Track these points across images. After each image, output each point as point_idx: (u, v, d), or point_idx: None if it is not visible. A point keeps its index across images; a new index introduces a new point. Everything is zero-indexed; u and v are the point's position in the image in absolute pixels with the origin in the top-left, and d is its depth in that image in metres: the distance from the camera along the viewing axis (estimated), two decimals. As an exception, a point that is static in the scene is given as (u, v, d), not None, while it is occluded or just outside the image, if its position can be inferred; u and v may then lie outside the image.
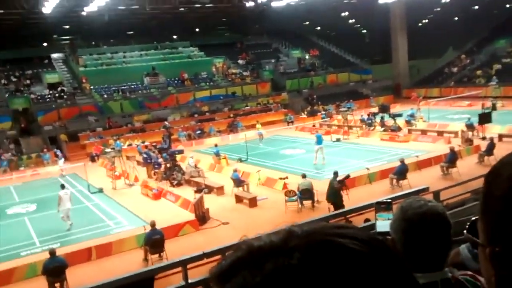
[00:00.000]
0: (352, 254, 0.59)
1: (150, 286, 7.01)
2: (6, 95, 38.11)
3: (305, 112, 39.77)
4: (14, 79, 40.89)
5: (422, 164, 19.89)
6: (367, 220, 9.74)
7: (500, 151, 19.15)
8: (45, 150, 31.58)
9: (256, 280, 0.57)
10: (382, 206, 2.04)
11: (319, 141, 23.02)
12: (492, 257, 0.75)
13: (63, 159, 28.29)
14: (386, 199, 2.07)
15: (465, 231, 0.93)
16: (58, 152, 28.99)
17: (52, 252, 12.07)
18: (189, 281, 6.25)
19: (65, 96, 39.09)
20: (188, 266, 6.47)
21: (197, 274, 6.42)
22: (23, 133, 34.76)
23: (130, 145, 31.27)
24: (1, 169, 29.27)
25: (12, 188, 24.70)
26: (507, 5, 54.20)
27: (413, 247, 1.68)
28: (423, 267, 1.67)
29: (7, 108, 36.49)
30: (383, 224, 1.95)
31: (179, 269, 6.70)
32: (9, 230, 17.28)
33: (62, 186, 17.81)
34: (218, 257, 6.59)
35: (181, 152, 24.44)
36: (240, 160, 25.16)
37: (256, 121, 34.68)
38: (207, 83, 44.59)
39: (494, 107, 30.69)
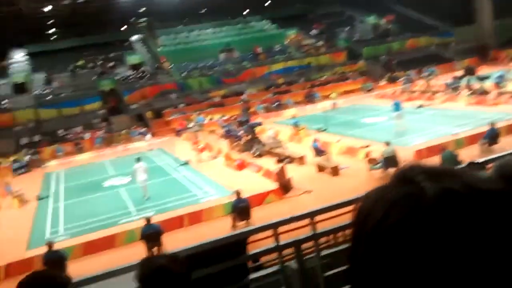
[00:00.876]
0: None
1: (244, 247, 7.33)
2: (94, 77, 40.54)
3: (385, 79, 38.51)
4: (99, 63, 43.35)
5: (516, 127, 18.70)
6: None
7: None
8: (134, 127, 33.42)
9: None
10: (475, 167, 1.97)
11: (397, 107, 22.38)
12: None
13: (149, 135, 29.76)
14: (480, 160, 2.02)
15: None
16: (142, 130, 30.53)
17: (148, 220, 12.88)
18: (281, 243, 6.47)
19: (147, 76, 40.83)
20: (279, 230, 6.69)
21: (286, 237, 6.64)
22: (112, 112, 36.92)
23: (211, 119, 32.17)
24: (96, 145, 31.47)
25: (107, 163, 26.46)
26: None
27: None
28: None
29: (95, 90, 38.85)
30: None
31: (268, 233, 6.96)
32: (107, 201, 18.65)
33: (138, 160, 18.65)
34: (306, 224, 6.76)
35: (259, 124, 24.82)
36: (320, 130, 25.03)
37: (331, 91, 34.22)
38: (281, 56, 44.45)
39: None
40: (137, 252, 12.81)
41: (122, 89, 39.00)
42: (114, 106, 37.66)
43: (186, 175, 20.77)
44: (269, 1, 54.87)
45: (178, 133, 31.04)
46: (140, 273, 2.04)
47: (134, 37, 47.42)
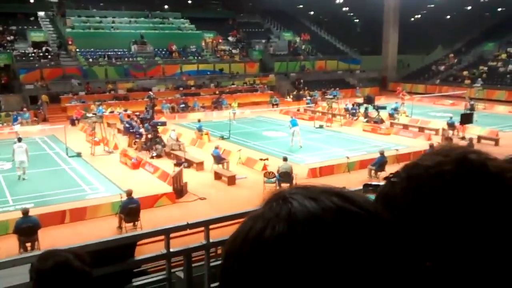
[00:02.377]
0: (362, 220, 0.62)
1: (132, 251, 7.02)
2: (-13, 49, 37.19)
3: (291, 96, 39.78)
4: (-3, 34, 39.86)
5: (401, 158, 20.03)
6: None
7: (478, 152, 19.54)
8: (24, 109, 30.98)
9: None
10: (370, 188, 2.02)
11: (293, 123, 23.27)
12: None
13: (19, 125, 27.38)
14: (374, 183, 2.08)
15: None
16: (16, 115, 28.44)
17: (25, 212, 11.98)
18: (171, 250, 6.29)
19: (49, 56, 38.27)
20: (171, 235, 6.51)
21: (177, 244, 6.47)
22: (2, 89, 34.01)
23: (112, 112, 30.90)
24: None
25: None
26: (499, 9, 54.77)
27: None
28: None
29: (-13, 62, 35.63)
30: None
31: (159, 238, 6.74)
32: (-18, 186, 17.05)
33: (19, 139, 18.31)
34: (201, 229, 6.64)
35: (163, 124, 24.29)
36: (222, 138, 25.13)
37: (233, 100, 34.60)
38: (195, 57, 44.12)
39: (472, 108, 31.12)
40: (9, 246, 11.82)
41: (19, 66, 36.11)
42: (5, 84, 34.77)
43: (77, 168, 19.67)
44: (190, 1, 54.36)
45: (73, 121, 29.41)
46: (38, 266, 1.85)
47: (41, 13, 44.25)
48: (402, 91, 37.63)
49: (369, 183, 1.94)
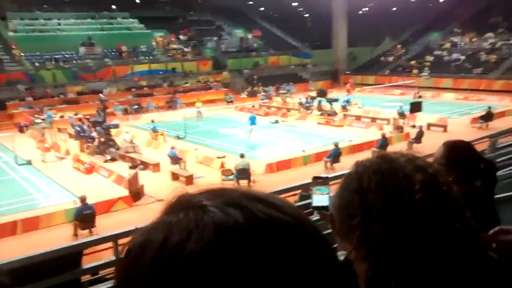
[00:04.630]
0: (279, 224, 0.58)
1: (78, 260, 6.81)
2: None
3: (245, 93, 39.85)
4: None
5: (355, 149, 20.57)
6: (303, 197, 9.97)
7: (428, 140, 20.28)
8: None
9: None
10: (319, 181, 2.01)
11: (252, 121, 23.27)
12: (365, 255, 0.91)
13: None
14: (323, 175, 2.08)
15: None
16: None
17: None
18: (120, 256, 6.14)
19: (-9, 62, 36.64)
20: (120, 241, 6.36)
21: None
22: None
23: (62, 116, 29.96)
24: None
25: None
26: (441, 0, 56.79)
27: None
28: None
29: None
30: (320, 198, 1.92)
31: (110, 244, 6.57)
32: None
33: None
34: None
35: (116, 126, 23.81)
36: (178, 138, 24.88)
37: (196, 99, 34.30)
38: (146, 57, 43.40)
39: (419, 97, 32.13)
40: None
41: (-41, 73, 34.45)
42: None
43: (27, 176, 18.95)
44: (139, 0, 53.33)
45: (22, 128, 28.31)
46: None
47: (-19, 17, 42.30)
48: (351, 83, 38.43)
49: (318, 175, 1.93)
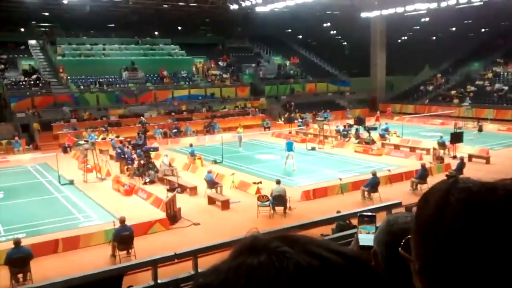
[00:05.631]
0: (335, 268, 0.62)
1: (119, 283, 6.95)
2: (-22, 78, 37.19)
3: (282, 119, 40.00)
4: (-13, 63, 39.94)
5: (394, 178, 20.25)
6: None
7: (469, 171, 19.73)
8: (16, 138, 30.84)
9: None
10: (365, 219, 1.99)
11: (289, 147, 23.25)
12: (419, 271, 0.89)
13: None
14: (369, 212, 2.07)
15: (399, 248, 1.09)
16: None
17: (17, 242, 11.83)
18: (159, 281, 6.24)
19: (40, 84, 38.34)
20: (158, 265, 6.46)
21: (166, 274, 6.42)
22: (-7, 118, 33.95)
23: (104, 138, 30.88)
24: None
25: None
26: (482, 30, 55.95)
27: (395, 262, 1.72)
28: (404, 283, 1.71)
29: (-22, 91, 35.60)
30: (366, 237, 1.91)
31: (149, 267, 6.67)
32: (-27, 216, 16.83)
33: None
34: (189, 258, 6.57)
35: (156, 149, 24.29)
36: (215, 162, 25.15)
37: (238, 124, 34.73)
38: (186, 82, 44.41)
39: (480, 129, 31.46)
40: (0, 277, 11.66)
41: (10, 95, 36.11)
42: (-4, 113, 34.73)
43: (69, 196, 19.53)
44: (180, 27, 54.95)
45: (66, 149, 29.31)
46: None
47: (32, 42, 44.49)
48: (389, 111, 38.01)
49: (364, 213, 1.92)
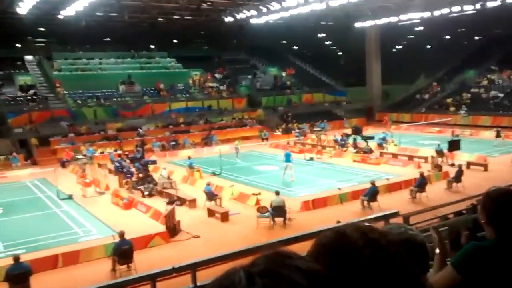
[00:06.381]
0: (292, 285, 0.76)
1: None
2: (-25, 95, 37.19)
3: (280, 130, 40.10)
4: (-16, 79, 39.96)
5: (393, 187, 20.29)
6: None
7: (468, 178, 19.78)
8: (14, 153, 30.78)
9: None
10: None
11: (287, 158, 23.26)
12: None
13: None
14: (366, 222, 2.12)
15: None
16: None
17: (17, 258, 11.74)
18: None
19: (37, 99, 38.38)
20: (157, 279, 6.44)
21: (167, 286, 6.40)
22: (-9, 134, 33.87)
23: (102, 152, 30.85)
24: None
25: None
26: (476, 38, 56.43)
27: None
28: None
29: (-25, 108, 35.58)
30: None
31: (147, 282, 6.66)
32: (-29, 233, 16.75)
33: None
34: (188, 272, 6.56)
35: (154, 162, 24.29)
36: (214, 174, 25.15)
37: (235, 137, 34.75)
38: (183, 95, 44.53)
39: (498, 135, 31.23)
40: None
41: (8, 110, 36.10)
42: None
43: (68, 211, 19.45)
44: (176, 40, 55.21)
45: (64, 163, 29.26)
46: None
47: (29, 57, 44.61)
48: (388, 121, 38.19)
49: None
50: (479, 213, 2.28)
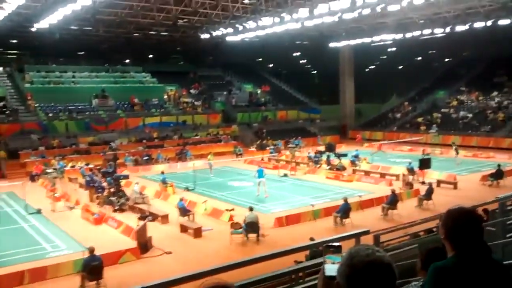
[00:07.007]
0: None
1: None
2: None
3: (254, 146, 40.18)
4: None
5: (365, 204, 20.49)
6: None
7: (438, 196, 20.15)
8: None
9: None
10: (331, 249, 2.04)
11: (260, 174, 23.27)
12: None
13: None
14: (336, 241, 2.14)
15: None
16: None
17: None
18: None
19: (7, 112, 37.52)
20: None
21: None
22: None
23: (73, 166, 30.28)
24: None
25: None
26: (446, 59, 58.21)
27: None
28: None
29: None
30: (332, 268, 1.95)
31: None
32: None
33: None
34: None
35: (126, 177, 23.94)
36: (187, 189, 24.95)
37: (209, 152, 34.63)
38: (158, 110, 44.27)
39: (457, 152, 31.96)
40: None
41: (-25, 123, 35.22)
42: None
43: (36, 226, 18.94)
44: (152, 55, 55.09)
45: (33, 177, 28.58)
46: None
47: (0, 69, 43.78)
48: (361, 139, 38.74)
49: (330, 244, 1.98)
50: (439, 228, 2.39)
